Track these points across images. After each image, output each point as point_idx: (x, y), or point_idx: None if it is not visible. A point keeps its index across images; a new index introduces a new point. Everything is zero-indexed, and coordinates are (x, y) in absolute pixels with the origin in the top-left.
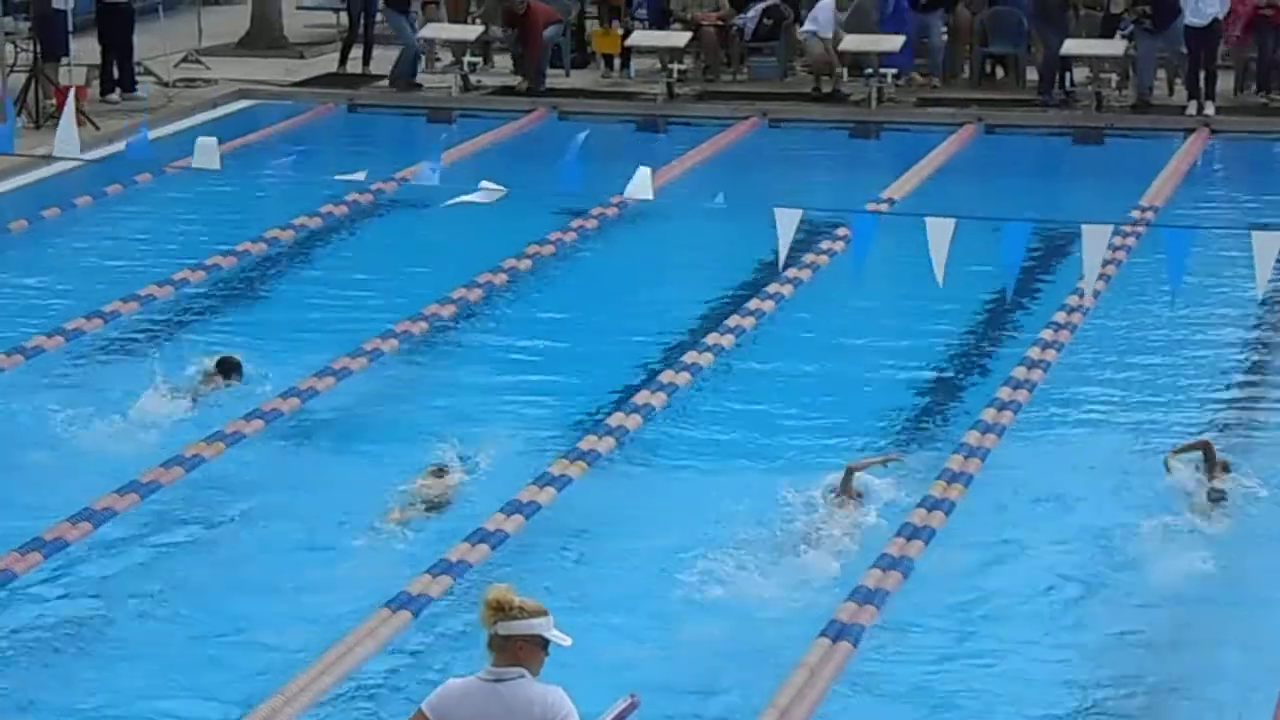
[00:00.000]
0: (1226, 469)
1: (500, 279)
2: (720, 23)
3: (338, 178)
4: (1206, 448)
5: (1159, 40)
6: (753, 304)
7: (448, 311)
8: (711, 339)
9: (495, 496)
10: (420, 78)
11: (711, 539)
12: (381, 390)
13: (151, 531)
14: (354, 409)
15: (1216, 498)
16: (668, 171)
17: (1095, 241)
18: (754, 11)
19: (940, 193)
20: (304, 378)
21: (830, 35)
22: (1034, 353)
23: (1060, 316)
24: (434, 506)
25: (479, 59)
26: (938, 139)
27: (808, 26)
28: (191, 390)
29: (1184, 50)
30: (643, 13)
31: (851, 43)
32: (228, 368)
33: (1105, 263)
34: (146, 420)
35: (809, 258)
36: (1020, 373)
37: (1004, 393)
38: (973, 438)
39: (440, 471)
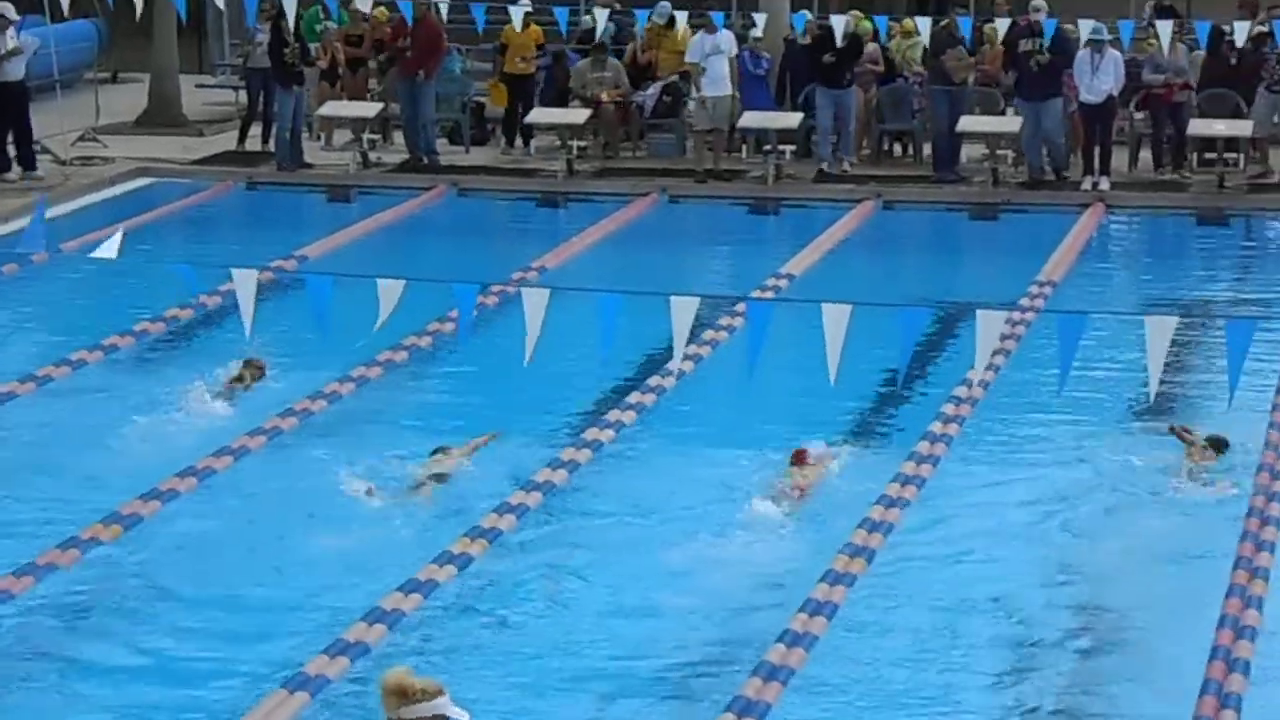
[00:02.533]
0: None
1: (400, 356)
2: (620, 100)
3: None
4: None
5: (1044, 118)
6: (634, 397)
7: (347, 389)
8: (590, 434)
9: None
10: (318, 155)
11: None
12: (283, 468)
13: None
14: (252, 485)
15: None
16: (569, 247)
17: (988, 327)
18: (653, 89)
19: (839, 268)
20: (202, 457)
21: (727, 94)
22: (922, 448)
23: (949, 409)
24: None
25: (378, 136)
26: (836, 215)
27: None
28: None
29: (1057, 134)
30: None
31: (750, 119)
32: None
33: (996, 351)
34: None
35: (708, 334)
36: (908, 468)
37: (892, 489)
38: (859, 537)
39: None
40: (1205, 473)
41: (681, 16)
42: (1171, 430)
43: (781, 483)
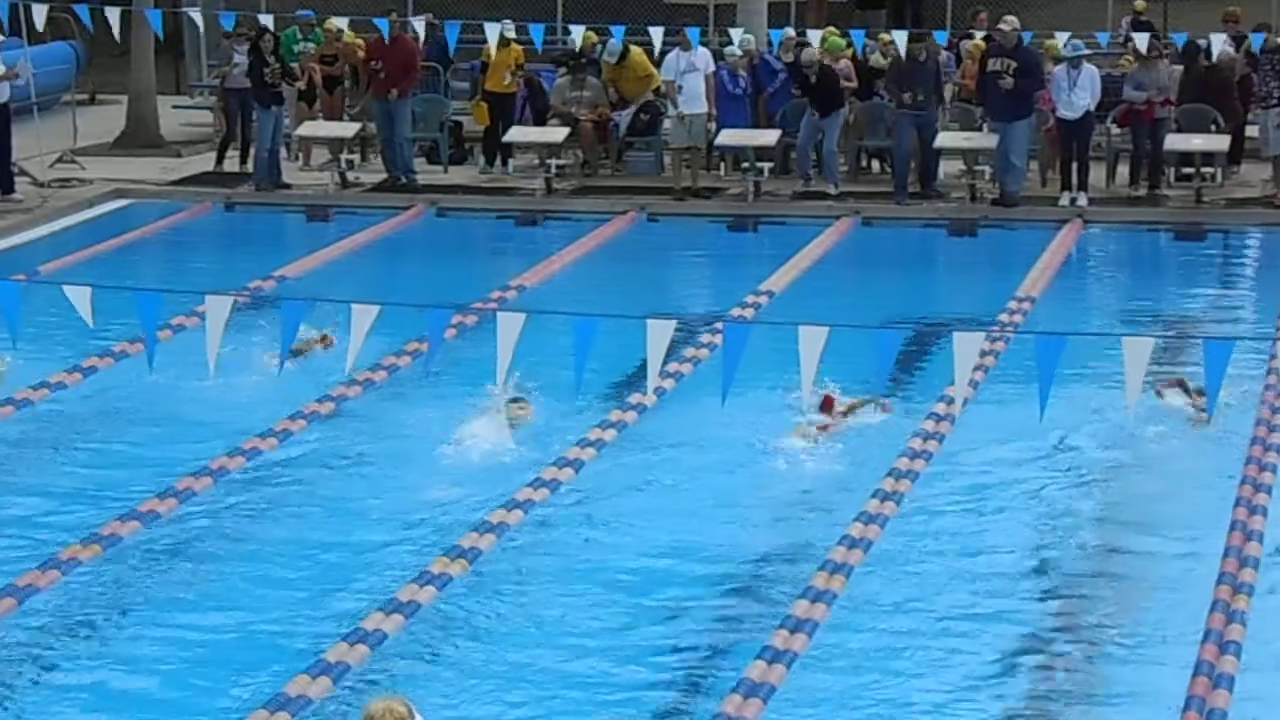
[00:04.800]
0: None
1: (380, 376)
2: (597, 119)
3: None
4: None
5: (1007, 138)
6: (614, 415)
7: (326, 409)
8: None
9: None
10: (297, 175)
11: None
12: (265, 496)
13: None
14: (217, 520)
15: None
16: (547, 266)
17: (966, 348)
18: (628, 110)
19: (818, 285)
20: (180, 477)
21: (703, 112)
22: (901, 463)
23: (929, 425)
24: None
25: (356, 155)
26: (815, 232)
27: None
28: None
29: (1018, 157)
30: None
31: (727, 137)
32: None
33: (975, 367)
34: None
35: (688, 351)
36: (887, 484)
37: (871, 505)
38: (838, 554)
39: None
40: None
41: (656, 33)
42: (1160, 393)
43: (807, 425)
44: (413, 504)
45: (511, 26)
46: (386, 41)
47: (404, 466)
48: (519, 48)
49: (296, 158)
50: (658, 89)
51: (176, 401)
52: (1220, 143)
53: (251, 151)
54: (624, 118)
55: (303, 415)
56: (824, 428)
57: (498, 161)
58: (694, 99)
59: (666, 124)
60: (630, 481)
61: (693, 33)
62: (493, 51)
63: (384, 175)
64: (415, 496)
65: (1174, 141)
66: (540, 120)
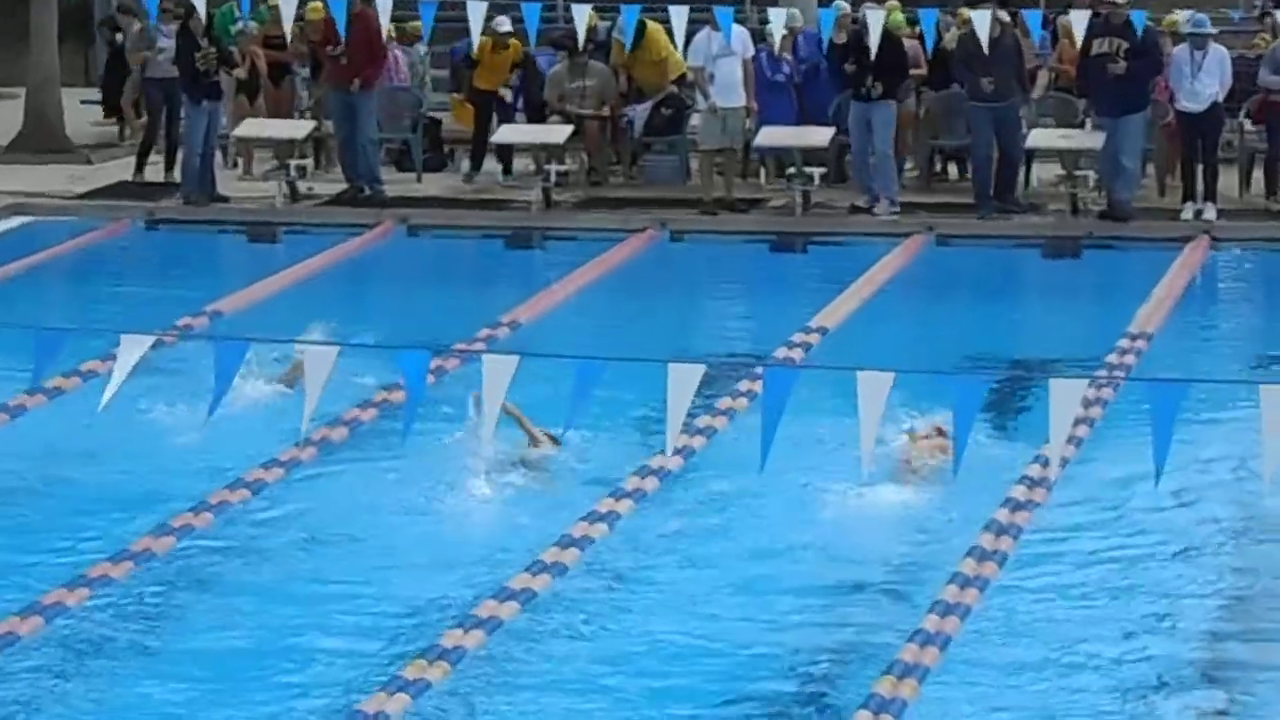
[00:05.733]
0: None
1: (340, 433)
2: (605, 115)
3: None
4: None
5: (1118, 137)
6: (630, 483)
7: (308, 454)
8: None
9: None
10: (235, 185)
11: None
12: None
13: None
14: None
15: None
16: (546, 298)
17: (1065, 400)
18: (645, 104)
19: (881, 320)
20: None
21: (740, 105)
22: (986, 540)
23: (1019, 492)
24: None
25: (309, 161)
26: (878, 253)
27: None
28: None
29: (1129, 158)
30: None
31: (768, 136)
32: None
33: (1077, 421)
34: None
35: (721, 402)
36: (969, 567)
37: (949, 593)
38: (909, 653)
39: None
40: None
41: (679, 12)
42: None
43: (912, 450)
44: (390, 591)
45: (507, 21)
46: (345, 19)
47: (368, 547)
48: (518, 43)
49: (235, 164)
50: (682, 77)
51: (60, 462)
52: None
53: (179, 157)
54: (640, 113)
55: (246, 484)
56: (937, 449)
57: (488, 166)
58: (729, 89)
59: (694, 120)
60: (628, 575)
61: (724, 15)
62: (485, 47)
63: (343, 185)
64: (389, 585)
65: None
66: (537, 115)
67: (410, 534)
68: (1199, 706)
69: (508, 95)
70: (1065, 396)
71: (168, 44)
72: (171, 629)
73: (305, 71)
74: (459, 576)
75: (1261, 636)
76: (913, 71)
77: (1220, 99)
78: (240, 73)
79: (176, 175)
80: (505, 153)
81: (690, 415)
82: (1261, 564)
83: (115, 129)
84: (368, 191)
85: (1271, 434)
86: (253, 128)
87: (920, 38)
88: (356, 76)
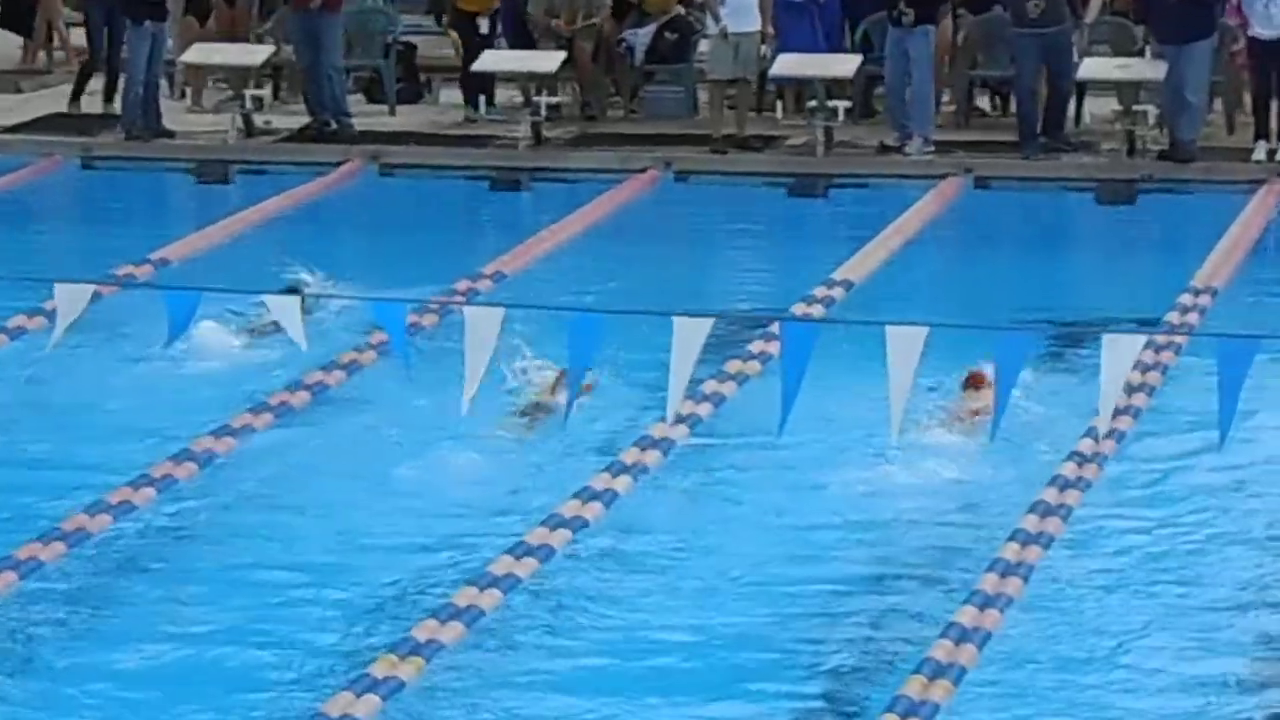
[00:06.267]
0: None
1: (301, 398)
2: (598, 36)
3: None
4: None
5: (1182, 66)
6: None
7: (263, 421)
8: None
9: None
10: (183, 118)
11: None
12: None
13: None
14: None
15: None
16: (535, 246)
17: (1119, 356)
18: (648, 27)
19: (914, 272)
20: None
21: (755, 30)
22: (1029, 522)
23: (1069, 469)
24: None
25: (266, 91)
26: (910, 198)
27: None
28: None
29: (1194, 91)
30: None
31: (786, 64)
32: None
33: (1133, 389)
34: None
35: (732, 364)
36: (1012, 552)
37: (988, 582)
38: (941, 651)
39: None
40: None
41: None
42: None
43: (956, 406)
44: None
45: None
46: None
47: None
48: None
49: (183, 94)
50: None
51: None
52: None
53: (120, 85)
54: (642, 38)
55: (193, 455)
56: (975, 412)
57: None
58: (742, 11)
59: (703, 46)
60: (627, 564)
61: None
62: None
63: (306, 118)
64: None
65: None
66: (524, 40)
67: (380, 509)
68: (1269, 707)
69: (484, 25)
70: (1121, 353)
71: None
72: (108, 618)
73: None
74: (435, 560)
75: None
76: None
77: None
78: None
79: (117, 107)
80: (488, 83)
81: (695, 380)
82: None
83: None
84: (333, 126)
85: None
86: (202, 53)
87: None
88: None
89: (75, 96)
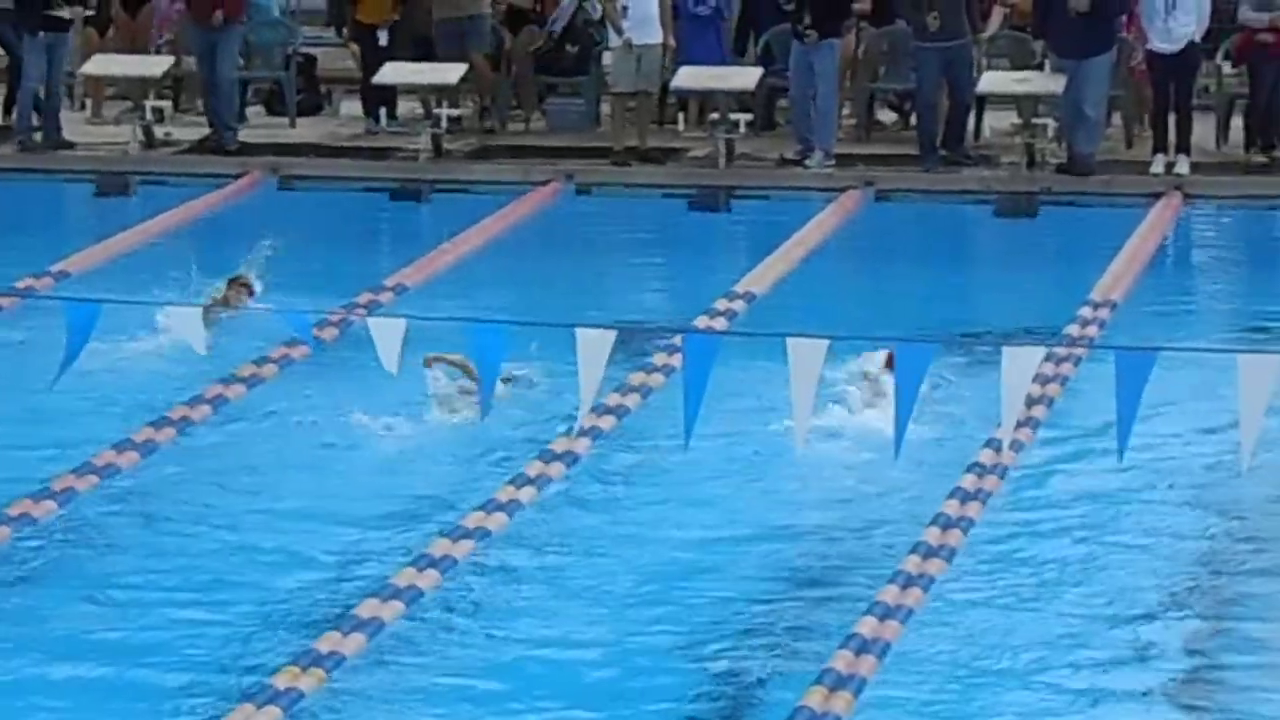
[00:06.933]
0: None
1: (201, 411)
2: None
3: None
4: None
5: (1080, 81)
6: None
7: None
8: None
9: None
10: (83, 129)
11: None
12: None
13: None
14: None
15: None
16: (436, 259)
17: (1019, 368)
18: (566, 4)
19: (815, 284)
20: None
21: (657, 42)
22: (931, 535)
23: (969, 481)
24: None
25: (167, 103)
26: (811, 210)
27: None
28: None
29: (1092, 105)
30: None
31: (688, 77)
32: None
33: (1033, 400)
34: None
35: (634, 376)
36: (913, 564)
37: (889, 593)
38: (841, 661)
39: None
40: None
41: None
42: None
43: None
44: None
45: None
46: None
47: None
48: None
49: (83, 105)
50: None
51: None
52: None
53: (18, 96)
54: (565, 10)
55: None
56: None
57: (383, 114)
58: (644, 23)
59: (606, 59)
60: (529, 573)
61: None
62: None
63: (207, 130)
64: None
65: None
66: (424, 52)
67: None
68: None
69: (383, 37)
70: (1020, 366)
71: None
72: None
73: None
74: (337, 572)
75: (1227, 616)
76: (854, 6)
77: (1197, 39)
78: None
79: (14, 119)
80: (389, 95)
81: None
82: (1232, 548)
83: None
84: (226, 138)
85: (1249, 408)
86: (102, 64)
87: None
88: (218, 9)
89: None
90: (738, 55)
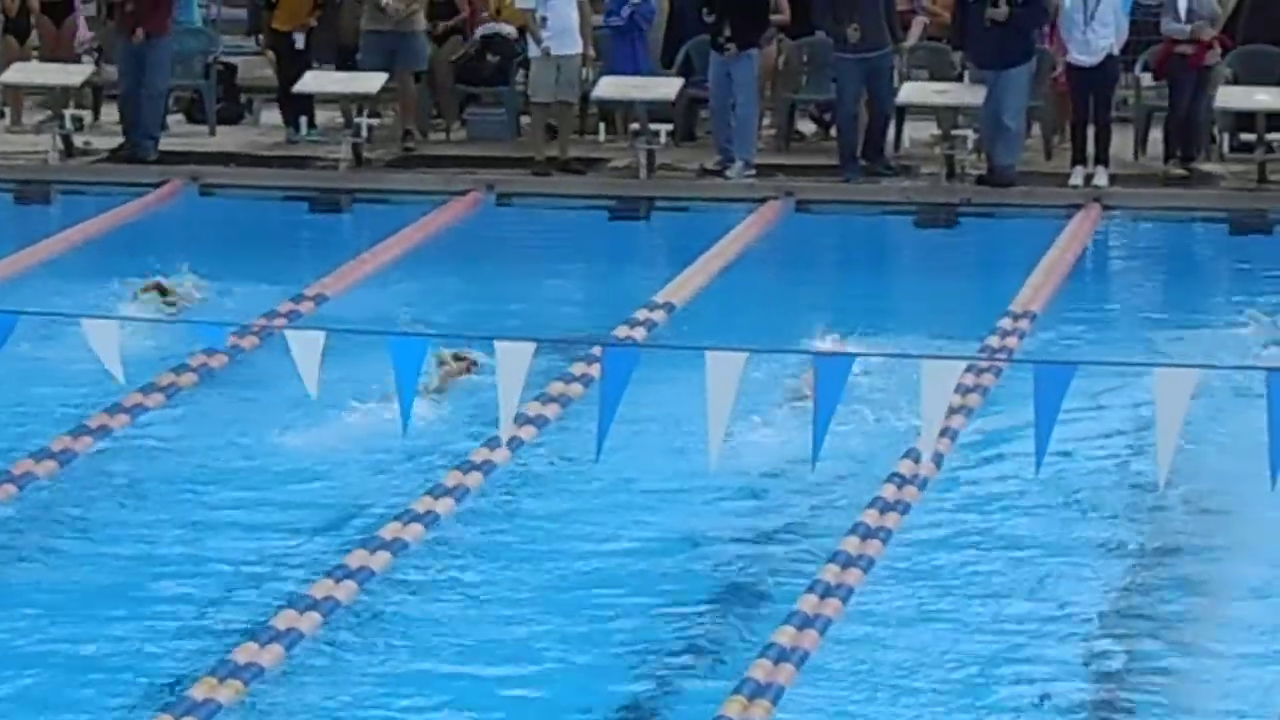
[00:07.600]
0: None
1: (120, 420)
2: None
3: None
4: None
5: (999, 93)
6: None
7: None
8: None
9: None
10: (2, 137)
11: None
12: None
13: None
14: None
15: None
16: (356, 267)
17: (939, 380)
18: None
19: (734, 295)
20: None
21: (576, 52)
22: (850, 544)
23: (889, 491)
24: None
25: (86, 112)
26: (731, 221)
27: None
28: None
29: (1011, 117)
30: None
31: (609, 87)
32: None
33: (952, 411)
34: None
35: (553, 386)
36: (830, 573)
37: (807, 602)
38: (760, 670)
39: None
40: None
41: None
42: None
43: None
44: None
45: None
46: None
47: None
48: None
49: (2, 114)
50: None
51: None
52: None
53: None
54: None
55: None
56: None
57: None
58: (564, 33)
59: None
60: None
61: None
62: None
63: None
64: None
65: (1228, 97)
66: (345, 55)
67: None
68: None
69: (299, 41)
70: (939, 380)
71: None
72: None
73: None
74: (254, 583)
75: (1141, 632)
76: (774, 17)
77: (1116, 50)
78: (9, 6)
79: None
80: (308, 104)
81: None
82: (1150, 560)
83: None
84: (144, 148)
85: (1166, 419)
86: (22, 73)
87: None
88: (139, 25)
89: None
90: (665, 66)
